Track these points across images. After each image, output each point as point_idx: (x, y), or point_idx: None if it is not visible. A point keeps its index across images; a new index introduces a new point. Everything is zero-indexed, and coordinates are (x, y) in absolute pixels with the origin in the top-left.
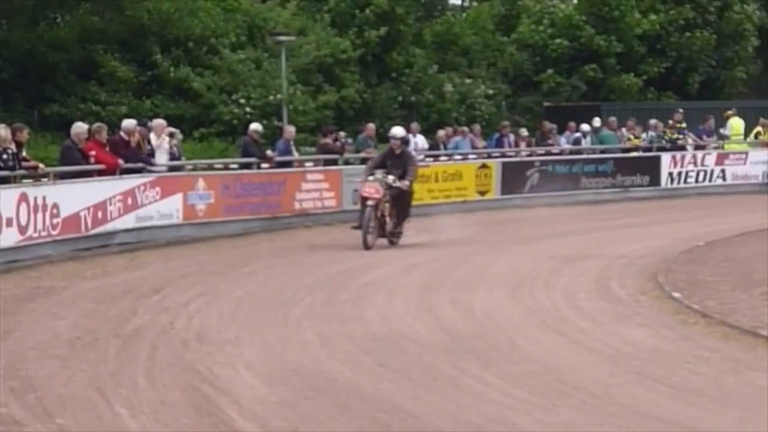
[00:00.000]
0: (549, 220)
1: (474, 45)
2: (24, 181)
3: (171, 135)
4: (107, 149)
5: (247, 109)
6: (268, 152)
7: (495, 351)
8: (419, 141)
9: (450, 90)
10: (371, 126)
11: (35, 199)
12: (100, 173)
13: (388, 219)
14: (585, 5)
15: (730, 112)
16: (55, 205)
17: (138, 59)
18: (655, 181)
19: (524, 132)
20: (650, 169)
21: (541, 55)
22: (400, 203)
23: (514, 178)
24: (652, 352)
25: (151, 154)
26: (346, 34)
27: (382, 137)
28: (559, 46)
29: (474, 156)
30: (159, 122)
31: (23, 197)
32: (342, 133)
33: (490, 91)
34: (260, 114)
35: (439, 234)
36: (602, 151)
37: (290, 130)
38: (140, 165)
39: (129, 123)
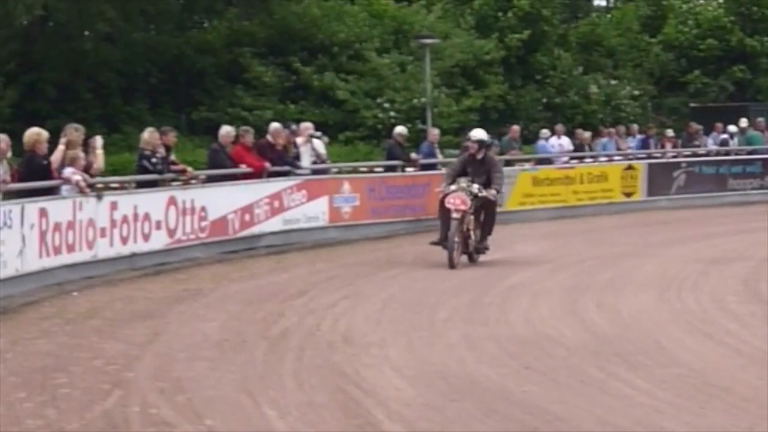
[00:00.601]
0: (696, 221)
1: (619, 46)
2: (172, 184)
3: (311, 137)
4: (254, 153)
5: (392, 113)
6: (413, 155)
7: (642, 354)
8: (564, 143)
9: (595, 91)
10: (515, 128)
11: (183, 202)
12: (247, 176)
13: (472, 233)
14: (733, 5)
15: None
16: (203, 208)
17: (284, 63)
18: None
19: (670, 132)
20: None
21: (687, 55)
22: (486, 215)
23: (660, 179)
24: None
25: (297, 157)
26: (489, 38)
27: (527, 139)
28: (709, 47)
29: (619, 157)
30: (305, 125)
31: (172, 200)
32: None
33: (636, 92)
34: (404, 117)
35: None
36: (750, 152)
37: (434, 132)
38: (286, 168)
39: (275, 126)
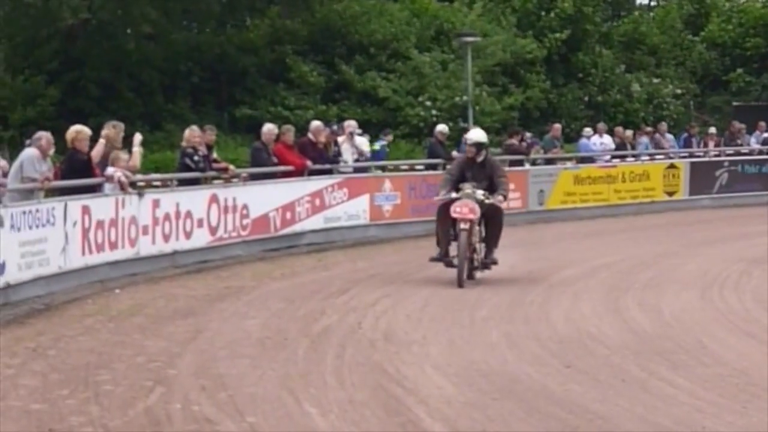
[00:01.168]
0: (738, 220)
1: (662, 44)
2: (215, 182)
3: (351, 134)
4: (295, 151)
5: (433, 111)
6: (454, 153)
7: (684, 353)
8: (606, 141)
9: (637, 89)
10: (557, 126)
11: (225, 200)
12: (289, 174)
13: (477, 245)
14: None
15: None
16: (245, 206)
17: (326, 62)
18: None
19: (713, 130)
20: None
21: (731, 54)
22: (492, 225)
23: (702, 178)
24: None
25: (337, 156)
26: (529, 37)
27: (569, 137)
28: (754, 45)
29: (661, 156)
30: (349, 123)
31: (214, 198)
32: (528, 134)
33: (678, 91)
34: (447, 116)
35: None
36: None
37: None
38: (328, 166)
39: (316, 124)
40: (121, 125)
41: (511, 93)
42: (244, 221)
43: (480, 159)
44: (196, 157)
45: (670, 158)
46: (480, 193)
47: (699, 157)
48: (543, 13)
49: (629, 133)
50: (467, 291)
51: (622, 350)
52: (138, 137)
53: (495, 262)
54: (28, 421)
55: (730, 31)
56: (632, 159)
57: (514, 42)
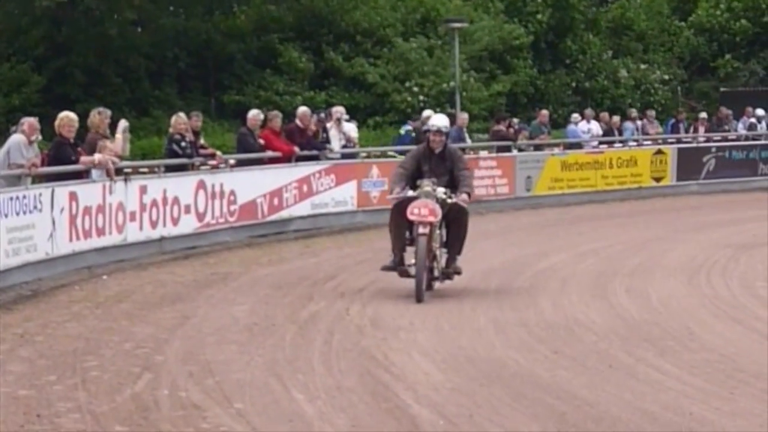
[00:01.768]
0: (725, 206)
1: (649, 30)
2: (201, 168)
3: (339, 120)
4: (282, 137)
5: (421, 97)
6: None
7: (671, 339)
8: (593, 127)
9: (625, 75)
10: (545, 112)
11: (213, 186)
12: (276, 161)
13: (438, 252)
14: None
15: None
16: (232, 192)
17: (313, 48)
18: None
19: (703, 115)
20: None
21: (718, 39)
22: (455, 228)
23: (690, 164)
24: None
25: (326, 143)
26: (516, 22)
27: (556, 123)
28: (742, 28)
29: (649, 142)
30: (336, 109)
31: (201, 184)
32: (515, 120)
33: (666, 77)
34: (434, 102)
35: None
36: None
37: (463, 117)
38: (315, 152)
39: (304, 111)
40: (107, 112)
41: (498, 79)
42: (232, 207)
43: (438, 150)
44: (183, 144)
45: (658, 144)
46: (441, 191)
47: (686, 143)
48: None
49: (616, 119)
50: (454, 278)
51: (610, 336)
52: (123, 124)
53: (458, 272)
54: (16, 407)
55: (717, 16)
56: (620, 145)
57: (501, 28)
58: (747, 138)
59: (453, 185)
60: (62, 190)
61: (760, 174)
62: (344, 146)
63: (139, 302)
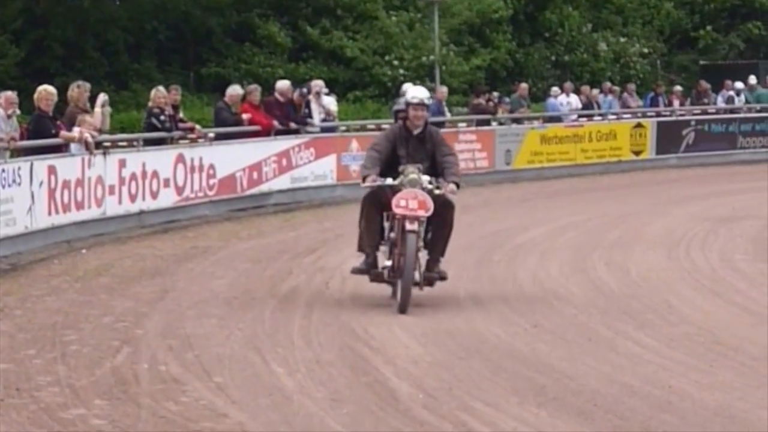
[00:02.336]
0: (705, 180)
1: (629, 2)
2: (181, 142)
3: (318, 94)
4: (261, 110)
5: (401, 71)
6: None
7: (651, 312)
8: (573, 100)
9: (604, 49)
10: (524, 86)
11: (192, 160)
12: (255, 134)
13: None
14: None
15: None
16: (212, 166)
17: (290, 23)
18: None
19: (677, 87)
20: None
21: (700, 11)
22: (441, 225)
23: (669, 137)
24: None
25: (308, 116)
26: None
27: (536, 97)
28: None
29: (628, 116)
30: (316, 83)
31: (180, 158)
32: (495, 94)
33: (645, 50)
34: (414, 75)
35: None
36: (760, 110)
37: (442, 90)
38: (294, 126)
39: (283, 84)
40: (87, 85)
41: (478, 53)
42: (211, 181)
43: (418, 131)
44: (162, 117)
45: (638, 117)
46: (426, 179)
47: (666, 116)
48: None
49: (596, 92)
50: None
51: (589, 309)
52: (102, 98)
53: (444, 276)
54: None
55: None
56: (599, 118)
57: (481, 1)
58: (726, 111)
59: (434, 173)
60: (41, 164)
61: (739, 147)
62: (324, 120)
63: (118, 276)
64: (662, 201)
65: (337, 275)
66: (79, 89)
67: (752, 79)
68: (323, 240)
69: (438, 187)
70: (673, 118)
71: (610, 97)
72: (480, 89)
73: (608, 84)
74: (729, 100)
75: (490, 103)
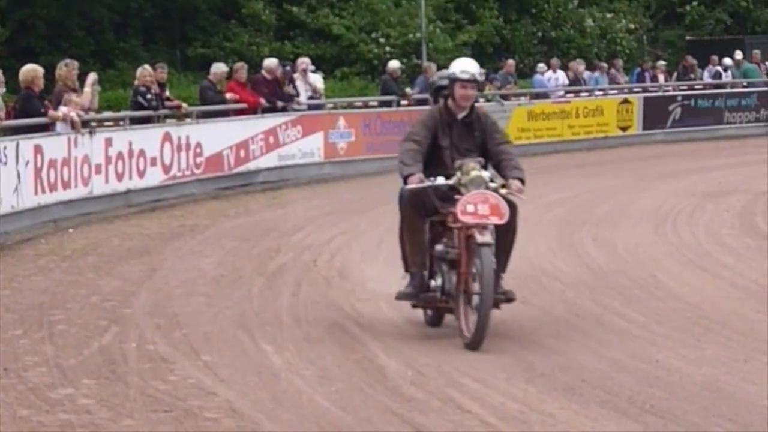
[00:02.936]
0: (691, 155)
1: None
2: (167, 120)
3: (304, 71)
4: (248, 88)
5: (387, 48)
6: (408, 90)
7: (638, 287)
8: (560, 77)
9: (590, 25)
10: (511, 62)
11: (179, 138)
12: (242, 112)
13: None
14: None
15: None
16: (198, 144)
17: (277, 1)
18: None
19: (661, 62)
20: None
21: None
22: (505, 229)
23: (656, 113)
24: None
25: (296, 95)
26: None
27: (522, 73)
28: None
29: (615, 91)
30: (302, 60)
31: (167, 137)
32: (482, 70)
33: (632, 26)
34: (400, 52)
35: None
36: (746, 85)
37: (432, 68)
38: (281, 104)
39: (270, 62)
40: (75, 63)
41: (464, 29)
42: (198, 159)
43: (463, 114)
44: (148, 96)
45: (624, 93)
46: (487, 175)
47: (653, 92)
48: None
49: (582, 68)
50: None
51: (577, 285)
52: (92, 77)
53: (511, 297)
54: None
55: None
56: (586, 94)
57: None
58: (713, 87)
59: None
60: (27, 143)
61: (726, 122)
62: (310, 97)
63: (105, 255)
64: (649, 176)
65: (325, 253)
66: (67, 68)
67: (738, 55)
68: (311, 218)
69: (504, 185)
70: (660, 94)
71: (597, 73)
72: None
73: (604, 65)
74: (716, 75)
75: None
